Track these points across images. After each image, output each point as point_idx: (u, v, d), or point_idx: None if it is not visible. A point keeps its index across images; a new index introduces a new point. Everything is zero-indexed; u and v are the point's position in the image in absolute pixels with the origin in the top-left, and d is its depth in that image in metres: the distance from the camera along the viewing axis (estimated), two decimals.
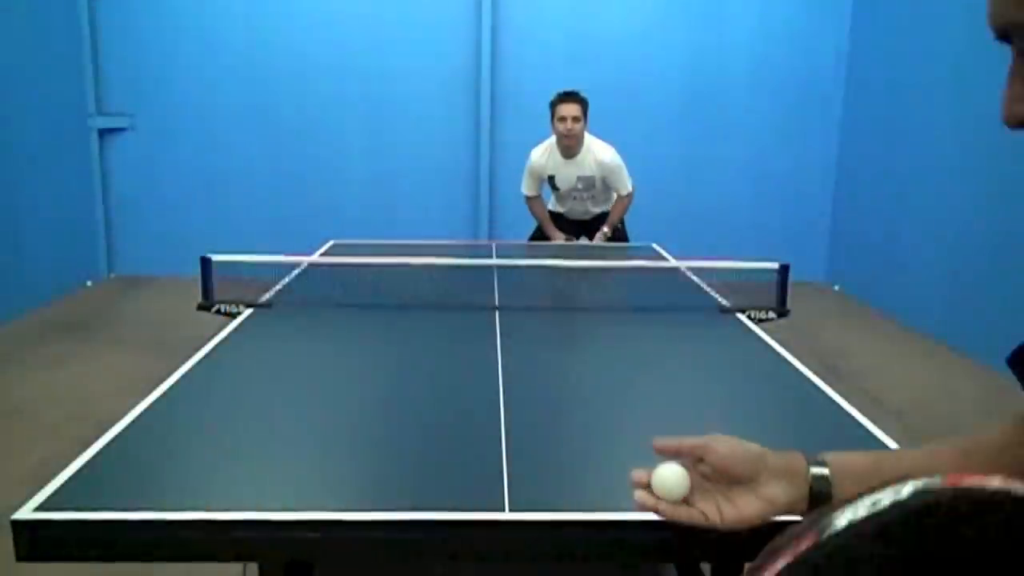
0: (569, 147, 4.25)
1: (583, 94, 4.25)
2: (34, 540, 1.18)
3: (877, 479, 0.49)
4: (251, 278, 2.88)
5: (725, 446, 0.89)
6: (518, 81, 6.59)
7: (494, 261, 3.39)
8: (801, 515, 0.82)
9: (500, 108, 6.64)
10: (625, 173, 4.36)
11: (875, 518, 0.37)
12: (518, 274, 3.09)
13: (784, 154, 6.79)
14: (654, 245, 4.08)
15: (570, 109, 4.18)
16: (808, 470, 0.86)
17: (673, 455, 0.94)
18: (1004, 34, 0.53)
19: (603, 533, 1.23)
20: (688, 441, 0.91)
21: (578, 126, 4.18)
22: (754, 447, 0.90)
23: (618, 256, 3.79)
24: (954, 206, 5.11)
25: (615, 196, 4.44)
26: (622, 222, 4.55)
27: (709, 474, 0.91)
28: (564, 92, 4.26)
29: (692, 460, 0.93)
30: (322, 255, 3.48)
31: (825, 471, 0.86)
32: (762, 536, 1.24)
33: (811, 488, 0.85)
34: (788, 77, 6.65)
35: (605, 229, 4.42)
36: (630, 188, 4.39)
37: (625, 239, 4.52)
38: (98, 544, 1.19)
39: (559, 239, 4.50)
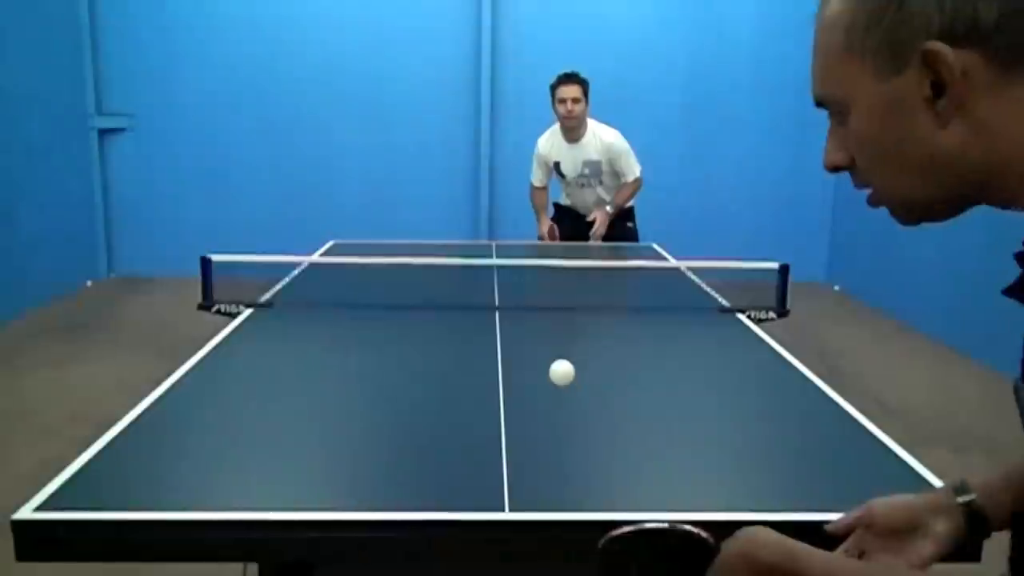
0: (572, 130, 4.19)
1: (583, 75, 4.19)
2: (34, 540, 1.18)
3: (1010, 491, 0.89)
4: (251, 278, 2.88)
5: (883, 507, 0.96)
6: (518, 81, 6.58)
7: (494, 261, 3.38)
8: (966, 542, 0.92)
9: (500, 108, 6.64)
10: (632, 157, 4.27)
11: (631, 532, 0.90)
12: (518, 274, 3.09)
13: (784, 154, 6.79)
14: (654, 245, 4.08)
15: (570, 91, 4.12)
16: (956, 500, 0.92)
17: (844, 532, 1.00)
18: (820, 102, 0.72)
19: (603, 533, 1.23)
20: (851, 517, 0.99)
21: (579, 107, 4.12)
22: (907, 498, 0.97)
23: (618, 256, 3.79)
24: None
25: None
26: (633, 221, 4.47)
27: (880, 535, 0.97)
28: (564, 73, 4.20)
29: (862, 530, 0.99)
30: (322, 255, 3.48)
31: (972, 496, 0.92)
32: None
33: (965, 515, 0.91)
34: (789, 76, 6.64)
35: (609, 208, 4.28)
36: (638, 173, 4.30)
37: (635, 239, 4.43)
38: (98, 544, 1.19)
39: (544, 229, 4.38)
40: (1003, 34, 0.60)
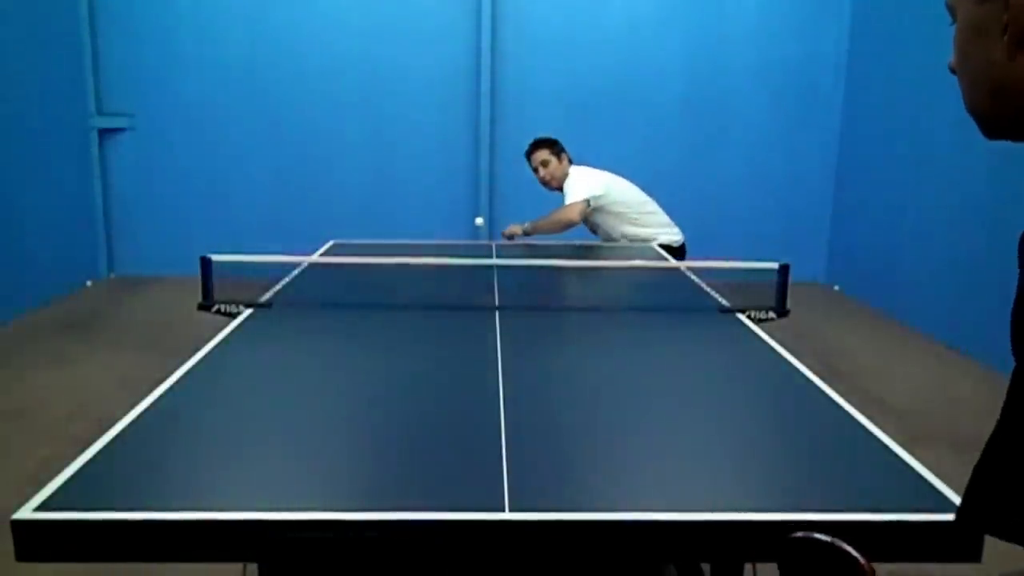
0: (557, 189, 4.22)
1: (545, 136, 4.23)
2: (34, 540, 1.18)
3: None
4: (251, 278, 2.88)
5: None
6: (518, 81, 6.58)
7: (494, 261, 3.39)
8: None
9: (500, 108, 6.64)
10: (573, 190, 4.05)
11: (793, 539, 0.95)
12: (518, 274, 3.09)
13: (784, 154, 6.79)
14: (654, 245, 4.08)
15: (535, 158, 4.20)
16: None
17: None
18: (947, 7, 0.80)
19: (603, 533, 1.23)
20: None
21: (548, 170, 4.17)
22: None
23: (618, 256, 3.79)
24: (954, 206, 5.11)
25: (624, 217, 4.15)
26: (678, 253, 4.14)
27: None
28: (529, 144, 4.26)
29: None
30: (322, 255, 3.48)
31: None
32: (758, 538, 1.24)
33: None
34: (788, 76, 6.65)
35: (526, 224, 4.14)
36: (568, 201, 4.03)
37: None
38: (98, 544, 1.20)
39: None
40: None
